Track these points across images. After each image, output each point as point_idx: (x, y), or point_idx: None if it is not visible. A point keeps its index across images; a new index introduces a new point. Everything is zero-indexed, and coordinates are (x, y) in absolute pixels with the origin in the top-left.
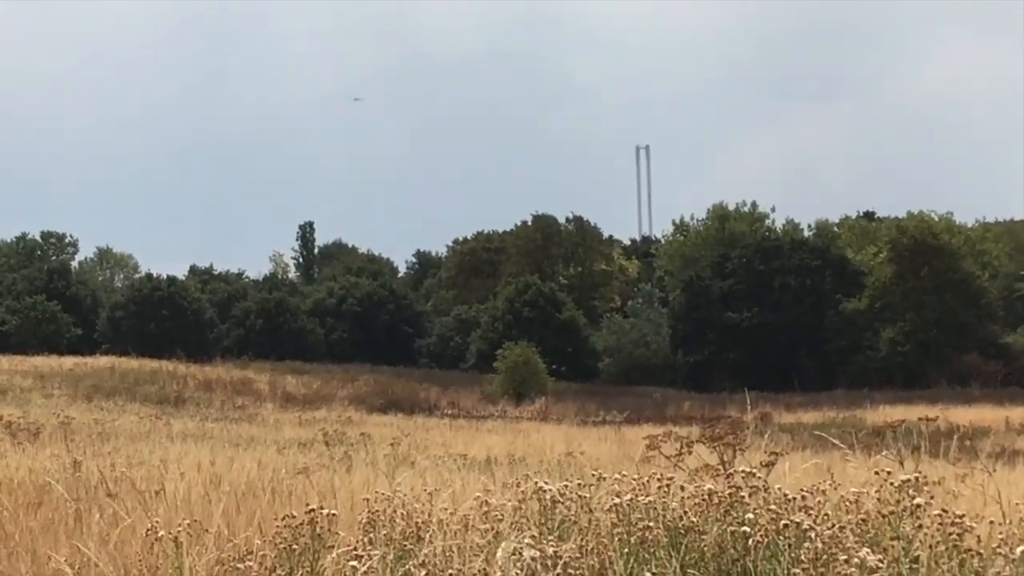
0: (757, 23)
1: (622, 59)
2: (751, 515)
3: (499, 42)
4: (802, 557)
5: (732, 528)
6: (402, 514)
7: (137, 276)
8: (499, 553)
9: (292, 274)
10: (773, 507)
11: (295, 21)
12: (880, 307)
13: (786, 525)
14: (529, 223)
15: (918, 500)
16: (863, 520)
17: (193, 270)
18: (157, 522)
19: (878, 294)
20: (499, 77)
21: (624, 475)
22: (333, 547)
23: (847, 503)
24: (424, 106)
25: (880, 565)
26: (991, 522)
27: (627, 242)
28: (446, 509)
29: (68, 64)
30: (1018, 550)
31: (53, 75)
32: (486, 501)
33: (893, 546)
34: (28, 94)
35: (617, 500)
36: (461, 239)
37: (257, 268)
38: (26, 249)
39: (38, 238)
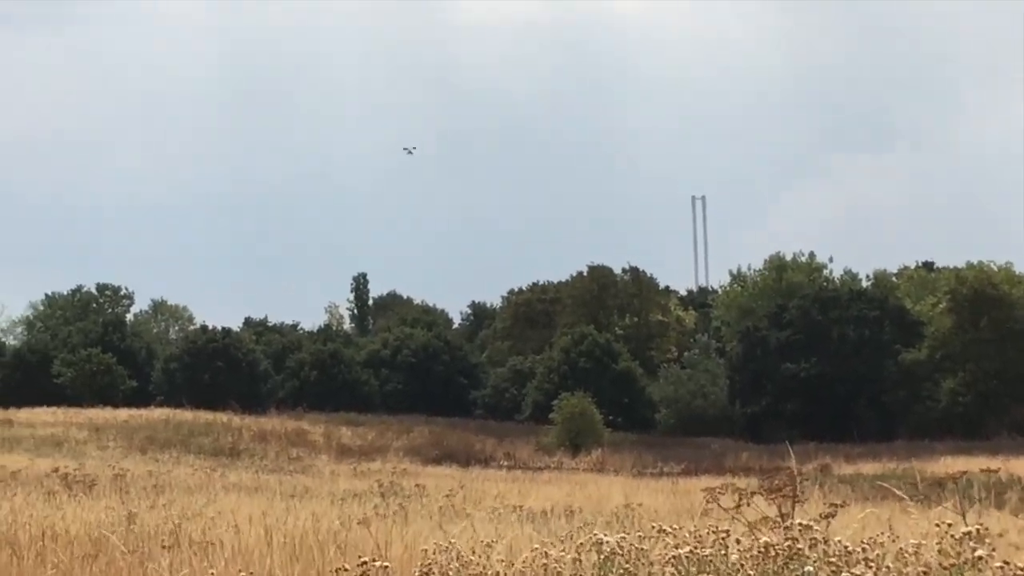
0: (812, 73)
1: (677, 109)
2: (810, 568)
3: (552, 91)
4: None
5: None
6: (457, 567)
7: (192, 328)
8: None
9: (347, 325)
10: (833, 559)
11: (346, 73)
12: (940, 357)
13: None
14: (585, 274)
15: (979, 552)
16: (924, 572)
17: (248, 322)
18: (213, 573)
19: (938, 344)
20: (553, 126)
21: (682, 527)
22: None
23: (907, 555)
24: (477, 156)
25: None
26: None
27: (683, 292)
28: (503, 561)
29: (122, 117)
30: None
31: (107, 128)
32: (545, 553)
33: None
34: (81, 148)
35: (675, 553)
36: (516, 290)
37: (312, 320)
38: (81, 302)
39: (93, 291)
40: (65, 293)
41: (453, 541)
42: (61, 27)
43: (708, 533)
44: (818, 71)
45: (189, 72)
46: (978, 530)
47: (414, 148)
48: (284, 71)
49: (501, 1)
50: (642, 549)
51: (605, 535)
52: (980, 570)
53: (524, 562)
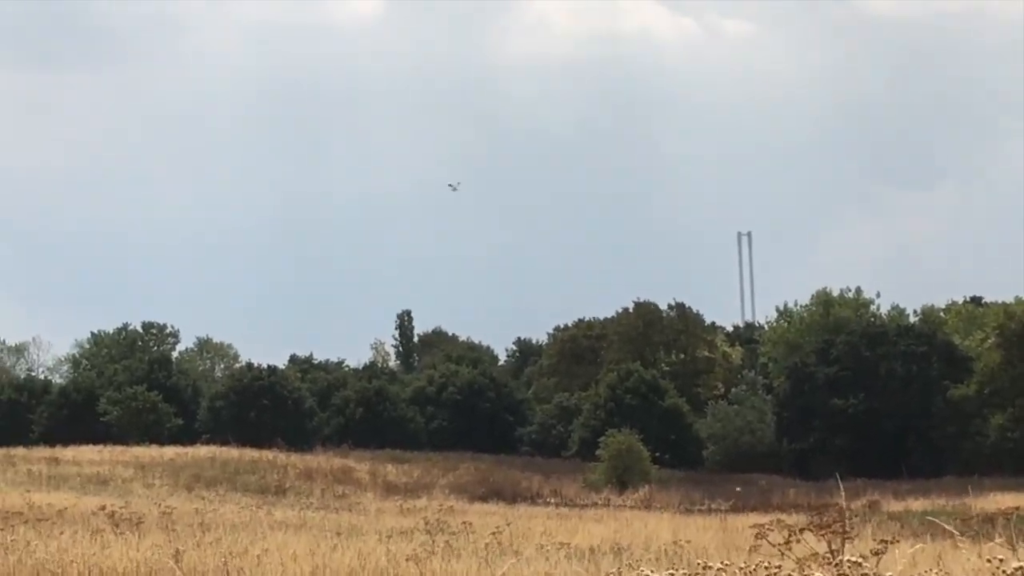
0: (858, 108)
1: (722, 145)
2: None
3: (595, 127)
4: None
5: None
6: None
7: (237, 366)
8: None
9: (392, 362)
10: None
11: (386, 110)
12: (988, 393)
13: None
14: (630, 310)
15: None
16: None
17: (293, 359)
18: None
19: (986, 380)
20: (596, 162)
21: (731, 564)
22: None
23: None
24: (520, 191)
25: None
26: None
27: (730, 328)
28: None
29: (166, 155)
30: None
31: (150, 167)
32: None
33: None
34: (125, 186)
35: None
36: (562, 326)
37: (357, 357)
38: (127, 340)
39: (139, 329)
40: (111, 331)
41: None
42: (102, 65)
43: (758, 569)
44: (863, 105)
45: (231, 110)
46: None
47: (458, 184)
48: (326, 108)
49: (542, 37)
50: None
51: (653, 572)
52: None
53: None
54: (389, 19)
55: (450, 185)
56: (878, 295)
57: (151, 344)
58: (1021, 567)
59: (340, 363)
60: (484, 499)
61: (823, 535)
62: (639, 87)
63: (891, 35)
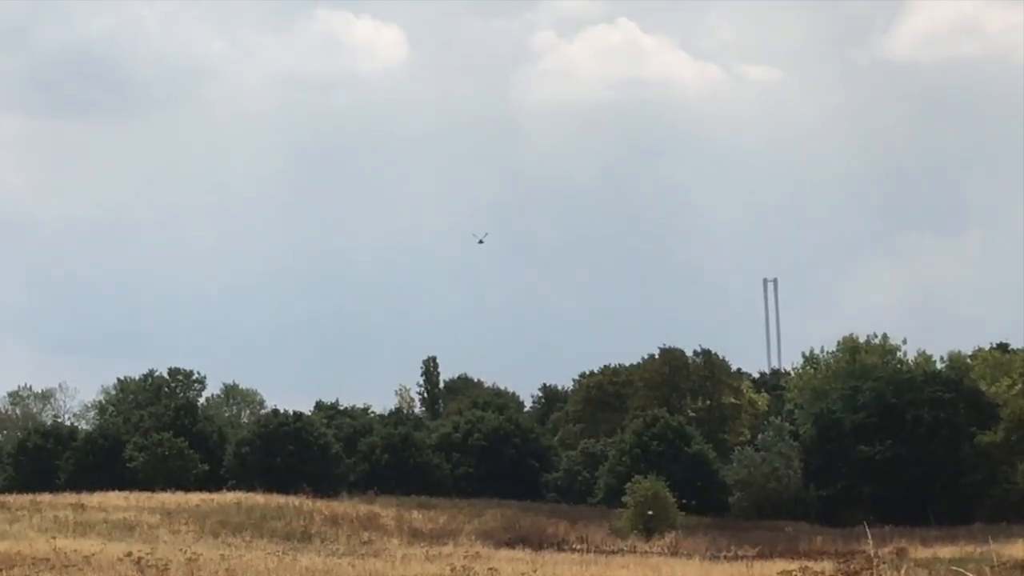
0: (882, 153)
1: (747, 190)
2: None
3: (618, 173)
4: None
5: None
6: None
7: (263, 412)
8: None
9: (417, 408)
10: None
11: (410, 157)
12: (1016, 439)
13: None
14: (656, 356)
15: None
16: None
17: (319, 405)
18: None
19: (1014, 426)
20: (620, 209)
21: None
22: None
23: None
24: (545, 237)
25: None
26: None
27: (756, 375)
28: None
29: (191, 203)
30: None
31: (176, 215)
32: None
33: None
34: (150, 233)
35: None
36: (587, 373)
37: (382, 403)
38: (154, 386)
39: (165, 375)
40: (137, 378)
41: None
42: (130, 115)
43: None
44: (888, 150)
45: (257, 158)
46: None
47: (485, 235)
48: (351, 156)
49: (566, 84)
50: None
51: None
52: None
53: None
54: (412, 68)
55: (478, 238)
56: (904, 341)
57: (177, 390)
58: None
59: (366, 409)
60: (510, 545)
61: None
62: (663, 133)
63: (914, 80)
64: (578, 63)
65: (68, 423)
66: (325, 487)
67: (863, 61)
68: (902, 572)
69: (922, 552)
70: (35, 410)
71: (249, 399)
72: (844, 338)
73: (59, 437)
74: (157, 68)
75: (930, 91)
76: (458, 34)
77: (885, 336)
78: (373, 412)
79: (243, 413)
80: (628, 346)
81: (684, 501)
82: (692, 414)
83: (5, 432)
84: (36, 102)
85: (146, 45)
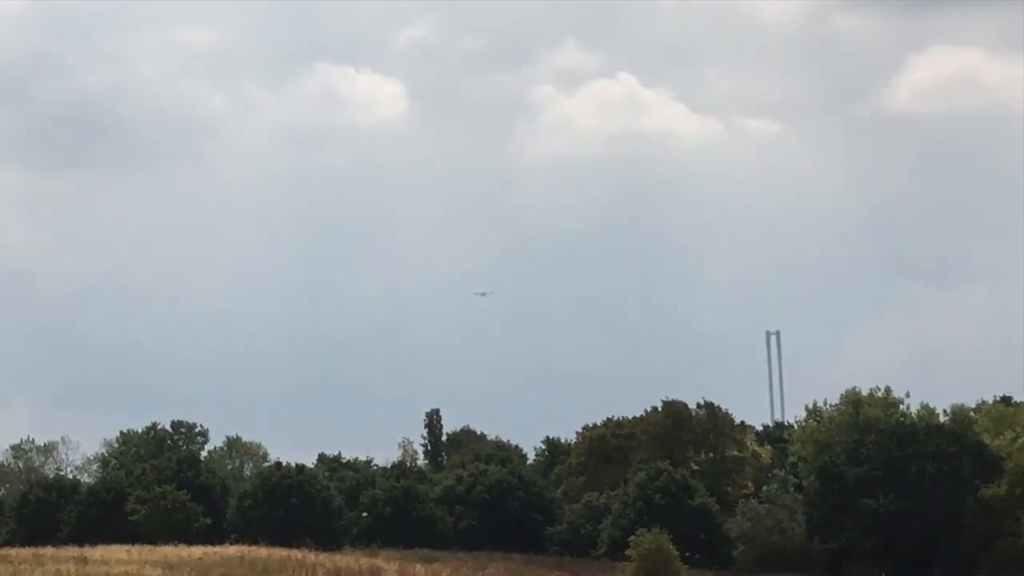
0: (883, 206)
1: (749, 244)
2: None
3: (618, 225)
4: None
5: None
6: None
7: (266, 465)
8: None
9: (420, 461)
10: None
11: (410, 211)
12: (1020, 493)
13: None
14: (659, 409)
15: None
16: None
17: (322, 458)
18: None
19: (1018, 479)
20: (622, 261)
21: None
22: None
23: None
24: (547, 290)
25: None
26: None
27: (759, 427)
28: None
29: (192, 256)
30: None
31: (177, 268)
32: None
33: None
34: (153, 286)
35: None
36: (590, 425)
37: (385, 456)
38: (156, 439)
39: (168, 428)
40: (140, 431)
41: None
42: (130, 169)
43: None
44: (888, 203)
45: (257, 211)
46: None
47: (488, 293)
48: (351, 210)
49: (566, 138)
50: None
51: None
52: None
53: None
54: (413, 122)
55: (480, 293)
56: (907, 395)
57: (180, 443)
58: None
59: (368, 462)
60: None
61: None
62: (664, 186)
63: (913, 132)
64: (578, 117)
65: (71, 476)
66: (328, 540)
67: (863, 114)
68: None
69: None
70: (37, 463)
71: (252, 452)
72: (847, 391)
73: (62, 490)
74: (158, 123)
75: (930, 144)
76: (458, 88)
77: (888, 389)
78: (376, 465)
79: (246, 466)
80: (631, 399)
81: (688, 554)
82: (695, 467)
83: (8, 485)
84: (37, 157)
85: (147, 100)
